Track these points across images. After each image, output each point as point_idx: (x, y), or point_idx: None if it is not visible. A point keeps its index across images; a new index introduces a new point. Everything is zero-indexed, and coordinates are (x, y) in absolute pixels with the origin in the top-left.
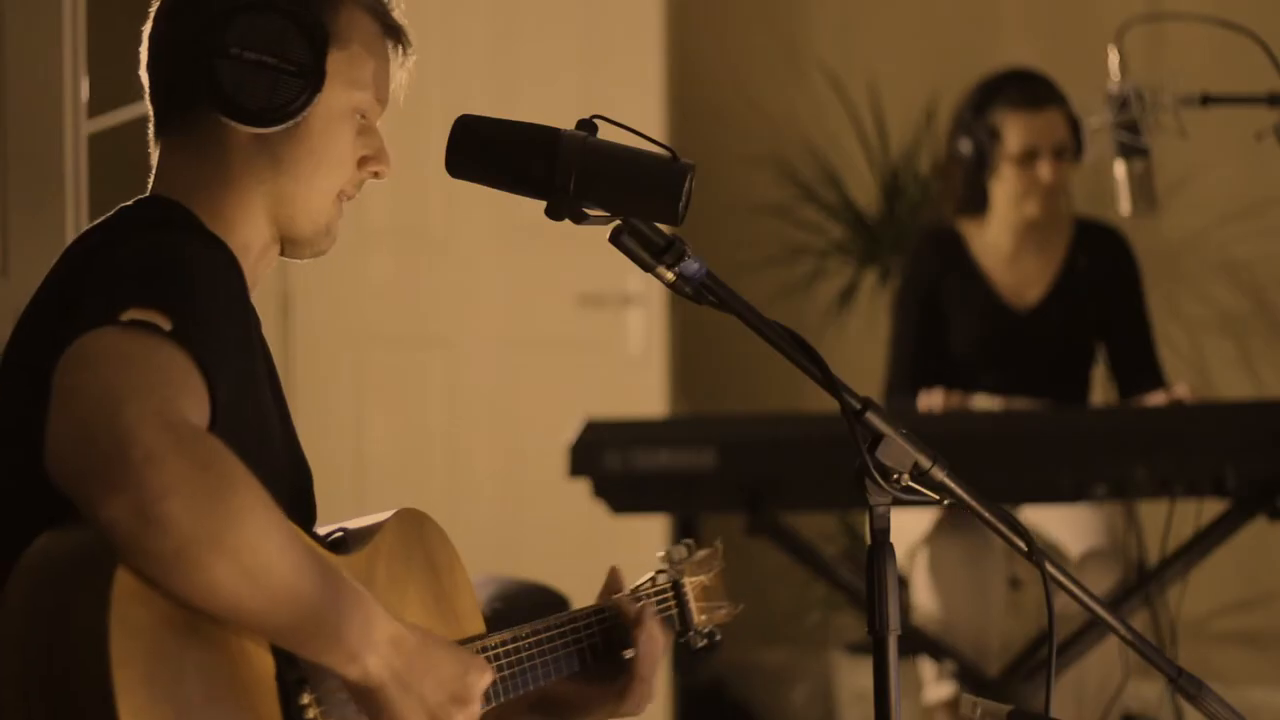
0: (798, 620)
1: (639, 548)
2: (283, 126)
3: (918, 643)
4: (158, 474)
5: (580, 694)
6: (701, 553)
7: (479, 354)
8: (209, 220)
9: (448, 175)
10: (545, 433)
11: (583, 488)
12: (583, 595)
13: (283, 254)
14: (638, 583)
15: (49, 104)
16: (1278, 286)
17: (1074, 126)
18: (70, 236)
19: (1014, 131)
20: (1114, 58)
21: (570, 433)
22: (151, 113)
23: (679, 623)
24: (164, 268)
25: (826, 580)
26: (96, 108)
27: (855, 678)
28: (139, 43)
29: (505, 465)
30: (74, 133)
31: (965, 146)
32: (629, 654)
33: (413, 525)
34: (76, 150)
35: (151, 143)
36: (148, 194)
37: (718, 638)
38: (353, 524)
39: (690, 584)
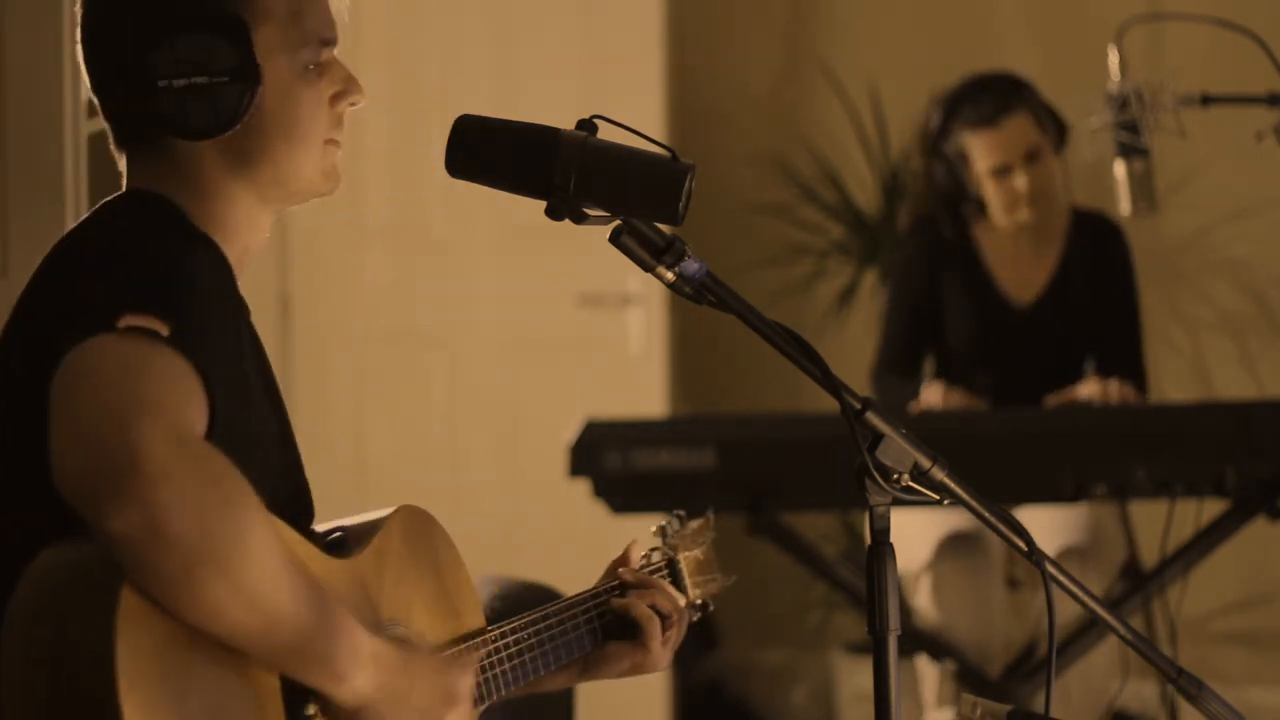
0: (798, 620)
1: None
2: (236, 128)
3: (918, 643)
4: (169, 490)
5: (604, 654)
6: (693, 524)
7: (479, 354)
8: (195, 217)
9: (447, 175)
10: (545, 433)
11: (583, 488)
12: None
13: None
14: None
15: (49, 104)
16: (1278, 286)
17: (1044, 120)
18: None
19: (979, 153)
20: (1114, 58)
21: (570, 433)
22: (109, 128)
23: None
24: (157, 271)
25: (826, 580)
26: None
27: (855, 678)
28: None
29: (505, 465)
30: (74, 133)
31: (939, 172)
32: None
33: (416, 523)
34: (76, 150)
35: (114, 148)
36: (128, 189)
37: (711, 608)
38: (350, 522)
39: (684, 559)
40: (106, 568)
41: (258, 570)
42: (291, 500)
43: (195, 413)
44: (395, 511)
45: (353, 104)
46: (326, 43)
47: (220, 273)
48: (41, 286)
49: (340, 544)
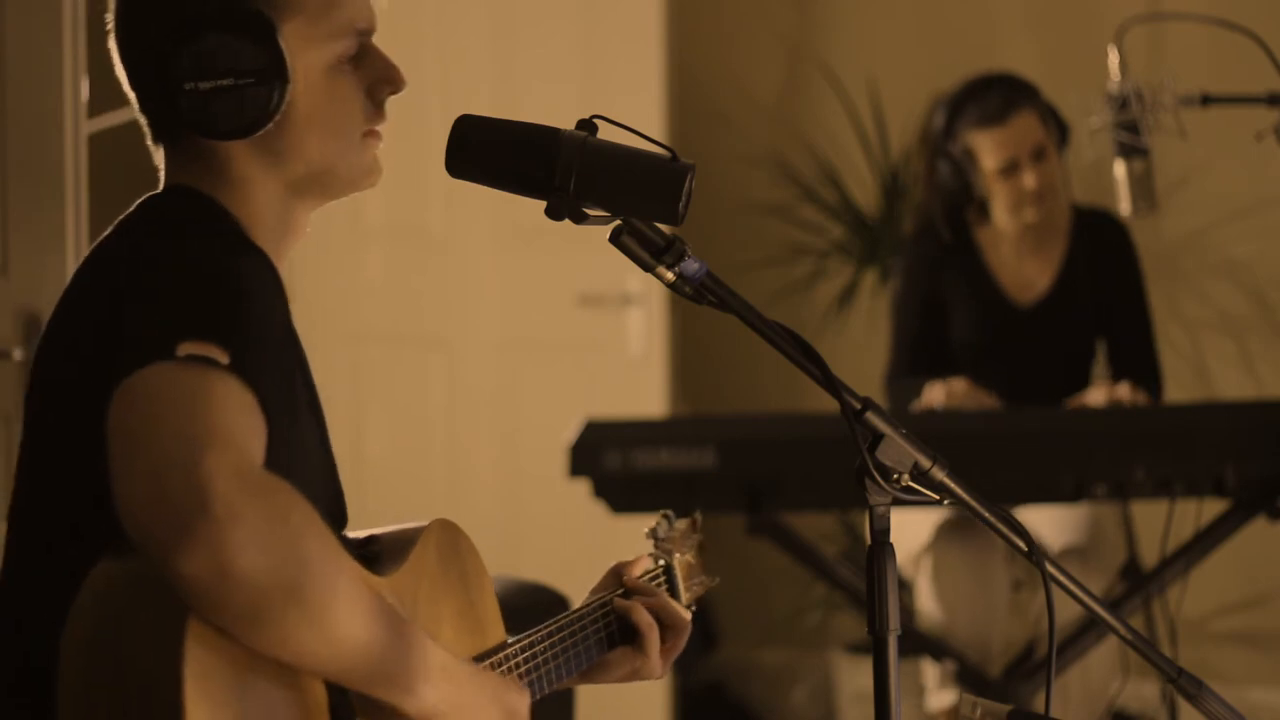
0: (798, 620)
1: (639, 548)
2: (267, 128)
3: (919, 644)
4: (236, 531)
5: (606, 660)
6: (681, 524)
7: (478, 354)
8: (238, 215)
9: (448, 175)
10: (545, 433)
11: (583, 488)
12: (583, 595)
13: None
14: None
15: (49, 104)
16: (1278, 286)
17: (1047, 118)
18: (70, 237)
19: (987, 151)
20: (1114, 58)
21: (570, 433)
22: (144, 123)
23: None
24: (212, 290)
25: (826, 580)
26: (96, 108)
27: (855, 678)
28: None
29: (505, 465)
30: (74, 133)
31: (944, 173)
32: (646, 628)
33: (449, 540)
34: (76, 150)
35: (151, 143)
36: (171, 185)
37: (694, 608)
38: (383, 532)
39: (679, 563)
40: (169, 589)
41: (328, 600)
42: (328, 507)
43: (256, 442)
44: (429, 527)
45: (393, 91)
46: (362, 33)
47: (268, 282)
48: (92, 295)
49: (377, 558)
